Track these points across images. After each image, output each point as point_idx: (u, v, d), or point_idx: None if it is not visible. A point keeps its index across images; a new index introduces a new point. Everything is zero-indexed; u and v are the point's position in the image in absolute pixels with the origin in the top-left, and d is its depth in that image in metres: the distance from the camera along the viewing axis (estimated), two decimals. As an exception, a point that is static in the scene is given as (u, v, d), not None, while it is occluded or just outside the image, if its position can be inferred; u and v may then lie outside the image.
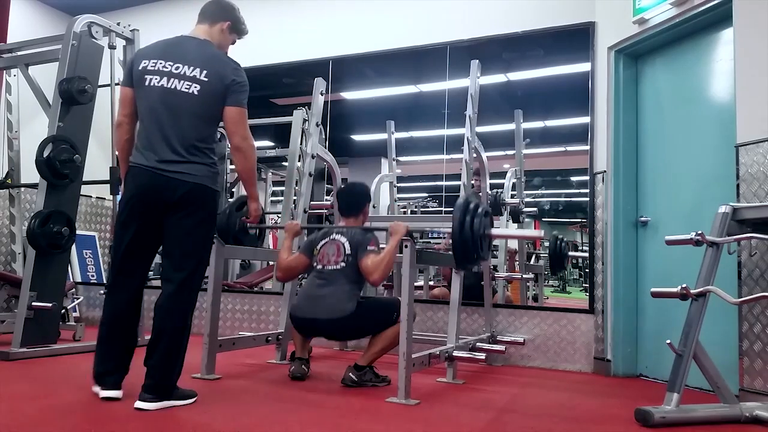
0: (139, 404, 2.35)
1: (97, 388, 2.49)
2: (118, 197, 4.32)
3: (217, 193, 2.55)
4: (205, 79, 2.45)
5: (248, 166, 2.57)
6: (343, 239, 3.15)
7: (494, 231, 3.17)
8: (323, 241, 3.21)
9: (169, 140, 2.43)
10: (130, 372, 2.54)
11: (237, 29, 2.72)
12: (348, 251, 3.10)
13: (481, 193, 3.85)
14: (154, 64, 2.47)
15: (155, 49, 2.54)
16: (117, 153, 2.67)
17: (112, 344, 2.50)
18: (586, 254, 4.03)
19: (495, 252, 4.71)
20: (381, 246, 3.15)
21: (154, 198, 2.43)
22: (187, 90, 2.43)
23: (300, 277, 3.54)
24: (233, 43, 2.76)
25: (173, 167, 2.41)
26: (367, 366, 3.01)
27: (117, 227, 2.55)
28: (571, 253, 4.85)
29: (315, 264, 3.19)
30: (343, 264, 3.09)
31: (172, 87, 2.43)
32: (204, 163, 2.48)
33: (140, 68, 2.49)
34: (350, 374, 2.97)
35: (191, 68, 2.45)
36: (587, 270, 4.11)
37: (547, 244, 5.22)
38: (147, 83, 2.46)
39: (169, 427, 2.20)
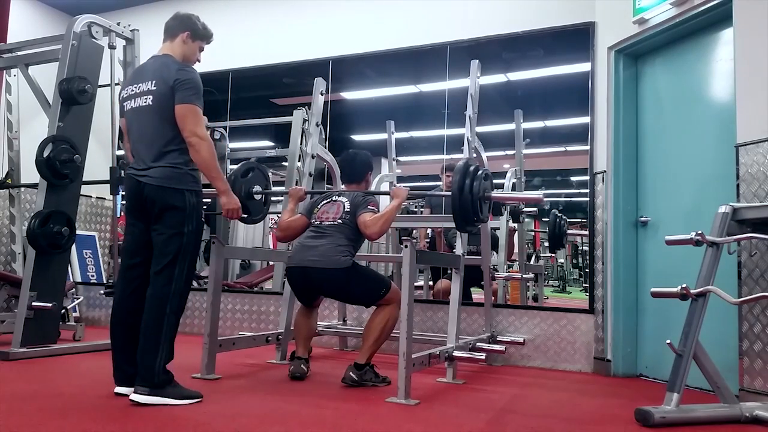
0: (132, 396, 2.46)
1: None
2: (119, 197, 4.34)
3: (187, 191, 2.61)
4: (154, 88, 2.62)
5: (200, 159, 2.60)
6: (344, 199, 3.24)
7: (494, 194, 3.21)
8: (324, 202, 3.30)
9: (140, 151, 2.66)
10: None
11: (199, 35, 2.82)
12: (347, 209, 3.17)
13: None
14: (126, 92, 2.74)
15: (129, 78, 2.83)
16: None
17: (118, 343, 2.64)
18: (586, 232, 4.00)
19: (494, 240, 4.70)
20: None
21: (133, 201, 2.67)
22: (144, 103, 2.64)
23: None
24: (202, 50, 2.87)
25: (142, 173, 2.62)
26: (366, 364, 3.01)
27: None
28: (570, 231, 4.80)
29: (313, 221, 3.25)
30: (340, 221, 3.16)
31: (137, 105, 2.67)
32: (168, 166, 2.60)
33: (121, 98, 2.78)
34: (350, 373, 2.97)
35: (146, 83, 2.65)
36: (587, 270, 4.11)
37: (547, 245, 5.21)
38: (125, 109, 2.74)
39: (169, 427, 2.20)
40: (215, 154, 2.66)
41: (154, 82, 2.62)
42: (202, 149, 2.57)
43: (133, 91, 2.68)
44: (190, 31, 2.78)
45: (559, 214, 4.72)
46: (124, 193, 2.77)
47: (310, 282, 3.14)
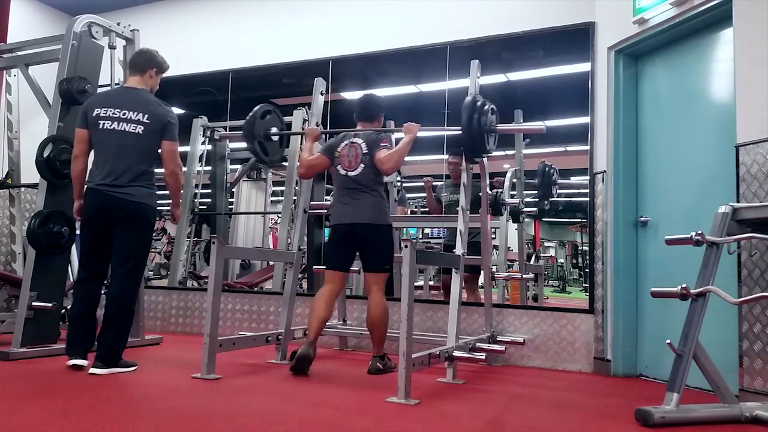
0: (92, 370, 3.05)
1: (68, 360, 3.16)
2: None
3: (154, 208, 3.29)
4: (147, 121, 3.21)
5: (176, 183, 3.35)
6: (360, 140, 3.46)
7: (499, 127, 3.44)
8: (342, 144, 3.50)
9: (120, 169, 3.16)
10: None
11: (162, 70, 3.42)
12: (365, 150, 3.41)
13: (481, 193, 3.85)
14: (105, 111, 3.20)
15: (104, 99, 3.30)
16: (73, 180, 3.30)
17: (85, 327, 3.21)
18: (585, 187, 3.98)
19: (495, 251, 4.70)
20: None
21: (105, 212, 3.17)
22: (133, 130, 3.19)
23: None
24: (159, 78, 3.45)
25: (122, 189, 3.15)
26: (384, 355, 3.37)
27: (80, 234, 3.35)
28: (560, 181, 4.77)
29: (338, 168, 3.47)
30: (362, 166, 3.40)
31: (122, 129, 3.18)
32: (145, 186, 3.21)
33: (94, 115, 3.21)
34: (377, 364, 3.32)
35: (135, 113, 3.20)
36: (587, 270, 4.11)
37: (550, 245, 5.19)
38: (101, 126, 3.19)
39: (168, 426, 2.20)
40: None
41: (146, 116, 3.19)
42: (181, 176, 3.39)
43: (115, 114, 3.18)
44: (157, 68, 3.37)
45: (549, 164, 4.72)
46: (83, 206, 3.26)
47: (354, 236, 3.38)
